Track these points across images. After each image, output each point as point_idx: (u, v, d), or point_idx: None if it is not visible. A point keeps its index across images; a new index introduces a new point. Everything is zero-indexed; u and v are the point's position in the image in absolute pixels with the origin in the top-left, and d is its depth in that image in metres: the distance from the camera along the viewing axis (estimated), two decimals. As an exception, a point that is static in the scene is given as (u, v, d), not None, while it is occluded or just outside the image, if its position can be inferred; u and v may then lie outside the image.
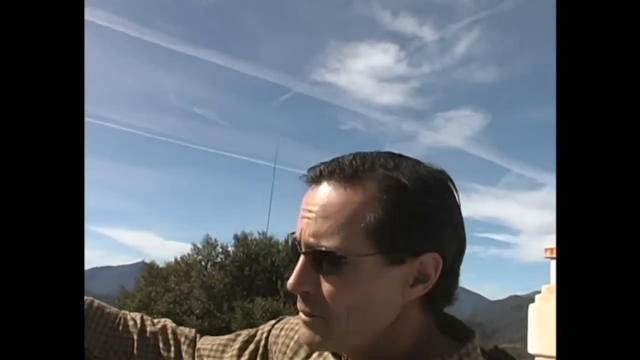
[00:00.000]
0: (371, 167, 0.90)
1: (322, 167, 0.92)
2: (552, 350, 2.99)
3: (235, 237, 29.26)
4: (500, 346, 32.36)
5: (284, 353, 1.15)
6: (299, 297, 0.92)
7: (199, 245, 30.09)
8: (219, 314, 25.69)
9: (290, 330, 1.17)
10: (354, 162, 0.90)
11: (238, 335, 1.24)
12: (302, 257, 0.90)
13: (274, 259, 28.76)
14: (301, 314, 0.93)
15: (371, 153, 0.93)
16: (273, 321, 1.23)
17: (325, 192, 0.90)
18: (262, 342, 1.20)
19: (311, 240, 0.89)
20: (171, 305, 27.34)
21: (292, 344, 1.15)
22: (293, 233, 0.94)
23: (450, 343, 0.95)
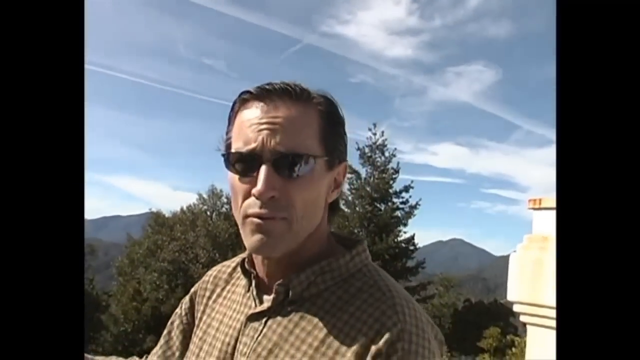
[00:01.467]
0: (307, 90, 1.05)
1: (270, 88, 1.02)
2: (530, 298, 3.10)
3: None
4: (501, 300, 32.67)
5: (203, 296, 1.26)
6: (260, 203, 0.98)
7: (205, 196, 30.56)
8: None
9: (204, 282, 1.28)
10: (296, 86, 1.04)
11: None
12: (266, 166, 0.98)
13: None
14: (257, 220, 0.99)
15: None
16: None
17: (285, 108, 1.01)
18: (184, 312, 1.29)
19: (278, 147, 0.98)
20: (177, 254, 28.20)
21: (208, 286, 1.27)
22: (233, 151, 1.02)
23: (343, 249, 1.12)
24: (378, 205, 25.28)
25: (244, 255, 1.23)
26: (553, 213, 3.27)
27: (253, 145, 0.99)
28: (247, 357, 1.04)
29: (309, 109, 1.03)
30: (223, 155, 1.06)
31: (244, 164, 1.01)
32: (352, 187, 25.33)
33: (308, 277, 1.04)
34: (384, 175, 25.39)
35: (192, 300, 1.29)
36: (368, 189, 25.16)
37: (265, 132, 0.99)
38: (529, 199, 3.42)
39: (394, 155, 25.82)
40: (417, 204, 26.04)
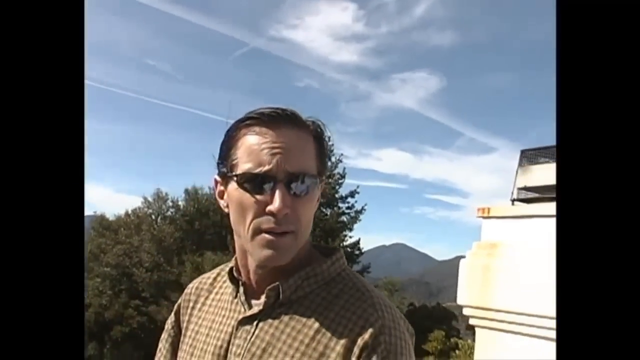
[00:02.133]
0: (301, 117, 1.17)
1: (275, 114, 1.14)
2: (479, 302, 3.27)
3: (186, 191, 29.64)
4: (444, 304, 33.27)
5: (187, 307, 1.35)
6: (275, 219, 1.09)
7: (150, 199, 30.22)
8: (168, 267, 26.22)
9: (186, 295, 1.38)
10: (294, 113, 1.16)
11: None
12: (280, 185, 1.09)
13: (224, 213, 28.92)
14: (270, 236, 1.10)
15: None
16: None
17: (294, 134, 1.13)
18: (171, 324, 1.39)
19: (290, 169, 1.09)
20: (121, 258, 27.78)
21: (191, 297, 1.36)
22: (246, 172, 1.11)
23: (321, 256, 1.23)
24: (324, 210, 25.49)
25: (222, 267, 1.36)
26: (501, 221, 3.46)
27: (268, 167, 1.08)
28: (242, 357, 1.14)
29: (307, 134, 1.15)
30: (227, 174, 1.15)
31: (257, 184, 1.10)
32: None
33: (296, 281, 1.15)
34: (330, 180, 25.62)
35: (176, 314, 1.38)
36: (314, 193, 25.36)
37: (278, 156, 1.09)
38: (478, 208, 3.61)
39: (340, 161, 26.06)
40: (362, 208, 26.37)
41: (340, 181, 25.92)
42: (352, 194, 26.23)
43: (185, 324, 1.34)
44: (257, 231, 1.11)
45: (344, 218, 26.00)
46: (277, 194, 1.08)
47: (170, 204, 30.20)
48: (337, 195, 25.87)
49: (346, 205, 26.17)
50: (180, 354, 1.31)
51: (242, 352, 1.15)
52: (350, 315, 1.11)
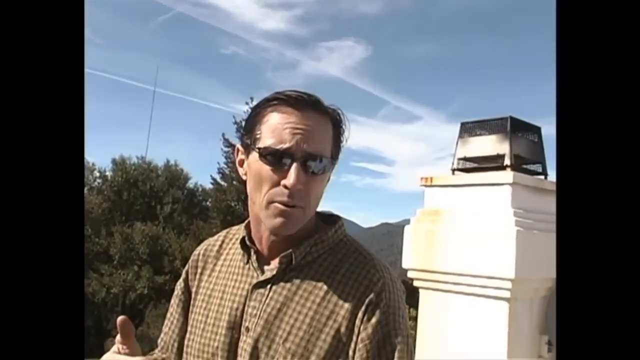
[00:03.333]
0: (324, 103, 1.31)
1: (296, 96, 1.27)
2: (423, 265, 3.49)
3: (114, 161, 28.94)
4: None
5: (194, 273, 1.50)
6: (288, 192, 1.23)
7: (75, 170, 29.20)
8: (97, 239, 25.52)
9: (193, 261, 1.52)
10: (318, 99, 1.29)
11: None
12: (297, 163, 1.23)
13: (153, 183, 28.65)
14: (282, 206, 1.25)
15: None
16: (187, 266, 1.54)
17: (316, 118, 1.27)
18: (182, 285, 1.52)
19: (309, 149, 1.24)
20: (46, 230, 26.53)
21: (199, 264, 1.51)
22: (268, 146, 1.25)
23: (324, 224, 1.39)
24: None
25: (224, 233, 1.53)
26: (442, 189, 3.68)
27: (288, 145, 1.23)
28: (258, 317, 1.31)
29: (327, 120, 1.30)
30: (249, 146, 1.30)
31: (276, 159, 1.24)
32: (229, 161, 25.37)
33: (305, 248, 1.33)
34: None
35: (185, 280, 1.52)
36: (245, 163, 25.19)
37: (298, 136, 1.23)
38: (421, 177, 3.81)
39: (270, 130, 25.95)
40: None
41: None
42: (282, 163, 26.25)
43: (195, 289, 1.48)
44: (271, 201, 1.26)
45: (275, 187, 26.04)
46: (293, 170, 1.23)
47: (98, 174, 29.46)
48: (267, 164, 25.85)
49: (277, 174, 26.20)
50: (192, 316, 1.44)
51: (259, 312, 1.30)
52: (356, 276, 1.28)
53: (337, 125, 1.33)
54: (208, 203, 28.39)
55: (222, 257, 1.48)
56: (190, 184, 30.13)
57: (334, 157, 1.33)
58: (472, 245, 3.29)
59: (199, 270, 1.50)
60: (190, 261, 1.53)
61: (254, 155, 1.28)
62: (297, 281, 1.31)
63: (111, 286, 24.94)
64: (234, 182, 25.09)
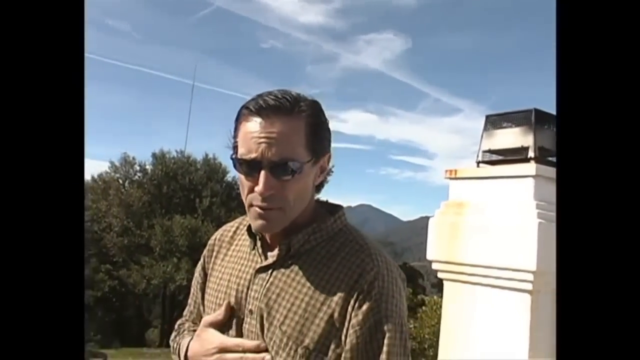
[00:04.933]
0: (296, 101, 1.33)
1: (263, 103, 1.31)
2: (447, 256, 3.52)
3: (154, 155, 29.40)
4: (409, 264, 33.85)
5: (210, 257, 1.62)
6: (260, 198, 1.31)
7: (117, 163, 29.87)
8: (138, 231, 25.96)
9: (210, 245, 1.64)
10: (286, 98, 1.32)
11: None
12: (264, 171, 1.29)
13: (192, 176, 28.98)
14: (259, 210, 1.32)
15: (284, 90, 1.36)
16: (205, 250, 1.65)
17: (277, 123, 1.30)
18: (200, 269, 1.64)
19: (274, 157, 1.28)
20: (89, 223, 27.22)
21: (215, 247, 1.62)
22: (239, 156, 1.32)
23: (326, 213, 1.46)
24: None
25: (240, 219, 1.63)
26: (466, 182, 3.69)
27: (254, 155, 1.29)
28: (259, 301, 1.39)
29: (298, 121, 1.33)
30: (231, 157, 1.37)
31: (247, 167, 1.32)
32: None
33: (304, 236, 1.39)
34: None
35: (202, 263, 1.63)
36: (282, 156, 25.36)
37: (263, 145, 1.29)
38: (446, 170, 3.83)
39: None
40: (330, 170, 26.44)
41: (307, 144, 26.00)
42: (319, 157, 26.33)
43: (210, 271, 1.60)
44: (250, 205, 1.36)
45: (311, 180, 26.13)
46: (261, 178, 1.30)
47: (138, 167, 29.98)
48: (304, 158, 25.95)
49: (313, 167, 26.29)
50: (206, 296, 1.55)
51: (259, 296, 1.39)
52: (350, 265, 1.34)
53: (312, 123, 1.36)
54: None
55: (235, 243, 1.58)
56: (229, 177, 30.43)
57: (316, 154, 1.37)
58: (495, 238, 3.29)
59: (214, 254, 1.61)
60: (207, 245, 1.64)
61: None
62: (295, 267, 1.39)
63: (151, 277, 25.39)
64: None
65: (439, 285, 11.89)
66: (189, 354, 1.48)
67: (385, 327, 1.29)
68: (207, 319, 1.49)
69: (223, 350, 1.40)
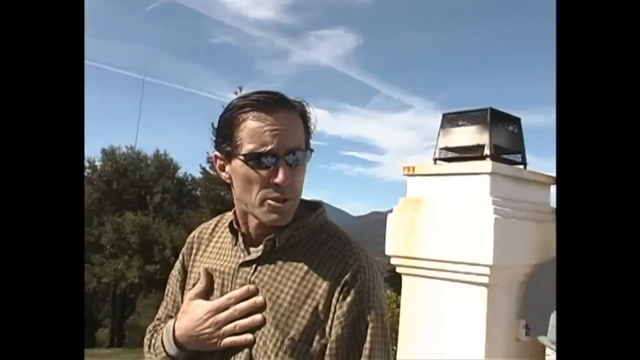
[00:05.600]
0: (287, 98, 1.40)
1: (263, 99, 1.36)
2: (405, 251, 3.58)
3: (103, 151, 28.93)
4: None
5: (189, 254, 1.63)
6: (279, 189, 1.35)
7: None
8: (88, 229, 25.46)
9: (189, 243, 1.65)
10: (279, 94, 1.39)
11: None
12: (282, 161, 1.34)
13: (142, 173, 28.63)
14: (275, 203, 1.37)
15: (267, 90, 1.41)
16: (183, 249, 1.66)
17: (287, 115, 1.37)
18: (179, 267, 1.65)
19: (288, 146, 1.35)
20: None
21: (194, 245, 1.64)
22: (251, 151, 1.35)
23: (308, 211, 1.50)
24: (245, 168, 25.48)
25: (218, 218, 1.65)
26: (424, 179, 3.76)
27: (270, 146, 1.33)
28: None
29: (296, 114, 1.41)
30: (231, 153, 1.39)
31: (262, 160, 1.34)
32: (219, 150, 25.37)
33: (289, 232, 1.43)
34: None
35: (181, 261, 1.64)
36: (235, 152, 25.24)
37: (278, 136, 1.34)
38: (403, 167, 3.90)
39: (260, 120, 25.93)
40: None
41: (260, 140, 25.93)
42: (272, 152, 26.29)
43: (190, 268, 1.59)
44: (264, 200, 1.35)
45: (265, 176, 26.07)
46: (281, 169, 1.34)
47: (87, 164, 29.44)
48: (257, 154, 25.88)
49: (267, 163, 26.25)
50: (186, 292, 1.55)
51: None
52: (334, 259, 1.38)
53: (304, 118, 1.44)
54: (197, 192, 28.43)
55: (215, 239, 1.61)
56: (180, 173, 30.17)
57: (307, 147, 1.43)
58: (452, 233, 3.38)
59: (194, 252, 1.63)
60: (186, 243, 1.66)
61: (237, 161, 1.38)
62: (280, 262, 1.43)
63: (102, 276, 25.00)
64: (224, 172, 25.09)
65: (391, 280, 12.05)
66: (178, 332, 1.47)
67: (369, 318, 1.35)
68: (191, 292, 1.50)
69: (215, 311, 1.42)
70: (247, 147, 1.35)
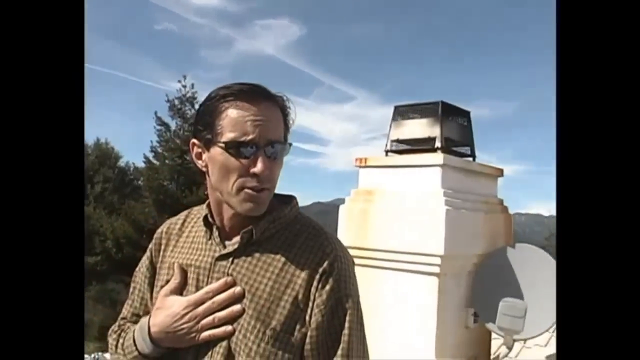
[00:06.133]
0: (269, 91, 1.42)
1: (247, 89, 1.39)
2: (357, 242, 3.62)
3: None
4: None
5: (158, 250, 1.61)
6: (257, 178, 1.37)
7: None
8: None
9: (156, 239, 1.63)
10: (262, 87, 1.42)
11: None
12: (262, 151, 1.36)
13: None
14: (252, 192, 1.38)
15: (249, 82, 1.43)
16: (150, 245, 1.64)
17: (269, 108, 1.39)
18: (147, 262, 1.63)
19: (268, 137, 1.37)
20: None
21: (162, 241, 1.62)
22: (231, 139, 1.36)
23: (281, 203, 1.52)
24: (188, 158, 25.24)
25: (186, 212, 1.64)
26: (376, 170, 3.82)
27: (252, 136, 1.35)
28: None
29: (277, 107, 1.42)
30: (211, 140, 1.39)
31: (242, 149, 1.35)
32: (162, 139, 25.10)
33: (264, 224, 1.45)
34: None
35: (149, 257, 1.61)
36: (178, 141, 24.92)
37: (259, 127, 1.35)
38: (356, 158, 3.95)
39: (206, 109, 25.73)
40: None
41: (204, 129, 25.67)
42: (216, 142, 26.07)
43: (159, 264, 1.56)
44: (241, 188, 1.36)
45: (208, 166, 25.85)
46: (260, 158, 1.35)
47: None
48: (201, 143, 25.62)
49: (210, 153, 26.02)
50: (157, 289, 1.52)
51: None
52: (310, 248, 1.41)
53: (284, 111, 1.45)
54: (140, 182, 27.97)
55: (185, 234, 1.59)
56: (122, 162, 29.58)
57: (286, 138, 1.46)
58: (404, 224, 3.45)
59: (162, 247, 1.61)
60: (154, 239, 1.64)
61: (217, 149, 1.38)
62: (257, 254, 1.44)
63: (40, 267, 24.33)
64: (167, 161, 24.79)
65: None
66: (154, 329, 1.45)
67: (347, 305, 1.39)
68: (166, 288, 1.49)
69: (193, 305, 1.42)
70: (227, 136, 1.36)
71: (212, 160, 1.41)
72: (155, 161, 25.08)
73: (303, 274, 1.39)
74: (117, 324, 1.61)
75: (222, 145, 1.37)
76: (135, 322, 1.56)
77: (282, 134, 1.42)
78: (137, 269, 1.64)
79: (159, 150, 25.10)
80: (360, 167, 3.93)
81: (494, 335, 3.73)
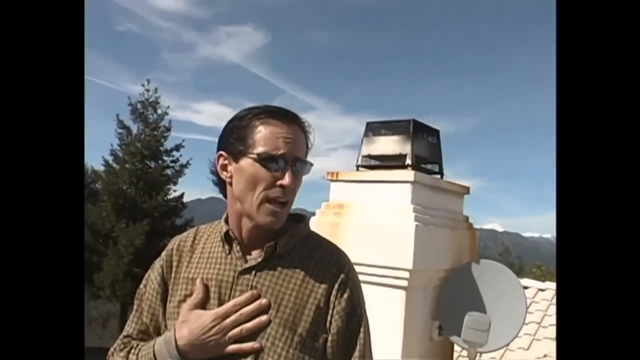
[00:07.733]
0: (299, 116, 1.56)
1: (279, 110, 1.53)
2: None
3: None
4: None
5: (170, 267, 1.66)
6: (282, 191, 1.49)
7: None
8: None
9: (167, 256, 1.68)
10: (294, 113, 1.55)
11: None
12: (290, 166, 1.48)
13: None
14: (273, 206, 1.50)
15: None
16: (160, 260, 1.69)
17: (297, 129, 1.53)
18: (158, 279, 1.66)
19: (296, 154, 1.50)
20: None
21: (173, 258, 1.67)
22: (263, 152, 1.47)
23: (294, 221, 1.63)
24: (148, 162, 25.00)
25: (193, 230, 1.71)
26: (347, 184, 3.90)
27: (282, 151, 1.48)
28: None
29: (301, 130, 1.56)
30: (242, 152, 1.49)
31: (272, 162, 1.48)
32: (122, 143, 24.83)
33: (286, 239, 1.57)
34: (155, 132, 25.13)
35: (161, 274, 1.65)
36: (139, 145, 24.70)
37: (290, 144, 1.49)
38: (327, 172, 4.03)
39: (167, 114, 25.60)
40: (187, 163, 26.16)
41: (165, 134, 25.46)
42: (177, 148, 25.87)
43: (172, 280, 1.62)
44: (264, 200, 1.49)
45: (168, 171, 25.64)
46: (288, 172, 1.48)
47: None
48: (162, 148, 25.40)
49: (171, 158, 25.82)
50: (171, 305, 1.58)
51: None
52: (327, 261, 1.56)
53: (306, 134, 1.59)
54: (98, 185, 27.53)
55: (198, 250, 1.65)
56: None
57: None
58: (374, 238, 3.54)
59: (175, 264, 1.66)
60: (164, 256, 1.68)
61: (247, 160, 1.49)
62: (279, 267, 1.54)
63: None
64: (127, 165, 24.52)
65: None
66: (181, 342, 1.48)
67: (359, 312, 1.56)
68: (189, 302, 1.54)
69: (221, 318, 1.48)
70: (259, 149, 1.48)
71: (241, 170, 1.51)
72: (115, 164, 24.77)
73: (323, 284, 1.52)
74: (119, 342, 1.63)
75: (255, 156, 1.48)
76: (142, 339, 1.61)
77: (305, 155, 1.55)
78: (141, 287, 1.68)
79: (119, 153, 24.82)
80: (332, 180, 4.01)
81: (456, 347, 3.84)
